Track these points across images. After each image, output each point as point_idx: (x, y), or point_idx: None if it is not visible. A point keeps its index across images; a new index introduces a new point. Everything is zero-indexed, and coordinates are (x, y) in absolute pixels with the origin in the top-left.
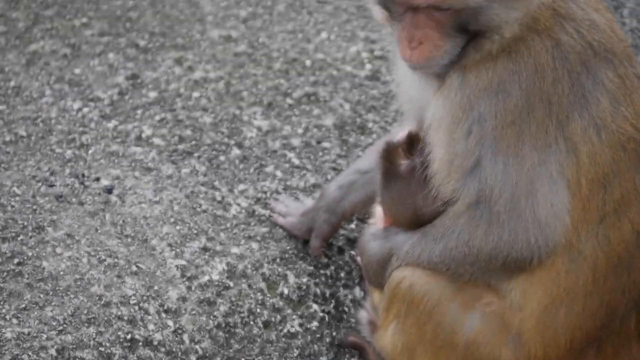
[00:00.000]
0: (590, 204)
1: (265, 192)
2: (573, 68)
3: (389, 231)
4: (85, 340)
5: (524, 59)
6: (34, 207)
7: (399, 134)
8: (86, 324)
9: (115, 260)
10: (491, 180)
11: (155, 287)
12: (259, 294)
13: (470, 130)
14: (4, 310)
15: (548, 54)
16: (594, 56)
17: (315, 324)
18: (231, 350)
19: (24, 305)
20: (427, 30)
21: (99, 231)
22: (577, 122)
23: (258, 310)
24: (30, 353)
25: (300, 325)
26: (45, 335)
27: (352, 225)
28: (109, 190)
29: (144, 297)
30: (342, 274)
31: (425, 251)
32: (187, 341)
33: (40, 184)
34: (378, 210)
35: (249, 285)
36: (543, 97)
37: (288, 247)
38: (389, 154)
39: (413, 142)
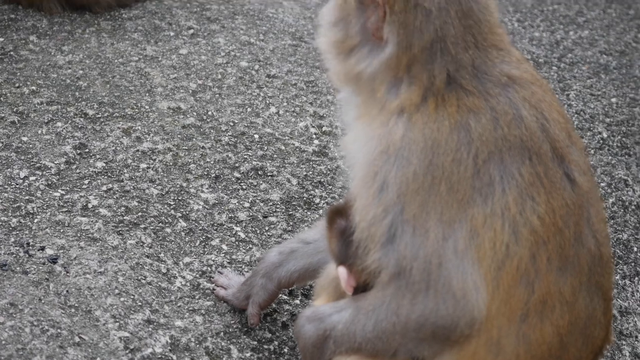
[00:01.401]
0: (511, 299)
1: (210, 266)
2: (478, 155)
3: (321, 312)
4: None
5: (421, 130)
6: None
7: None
8: None
9: (58, 330)
10: (403, 250)
11: (98, 359)
12: None
13: (376, 196)
14: None
15: (449, 135)
16: (507, 149)
17: None
18: None
19: None
20: None
21: (43, 301)
22: (480, 207)
23: None
24: None
25: None
26: None
27: (297, 301)
28: (54, 260)
29: None
30: (286, 349)
31: (359, 328)
32: None
33: None
34: (341, 271)
35: (192, 359)
36: (444, 174)
37: (232, 321)
38: (332, 215)
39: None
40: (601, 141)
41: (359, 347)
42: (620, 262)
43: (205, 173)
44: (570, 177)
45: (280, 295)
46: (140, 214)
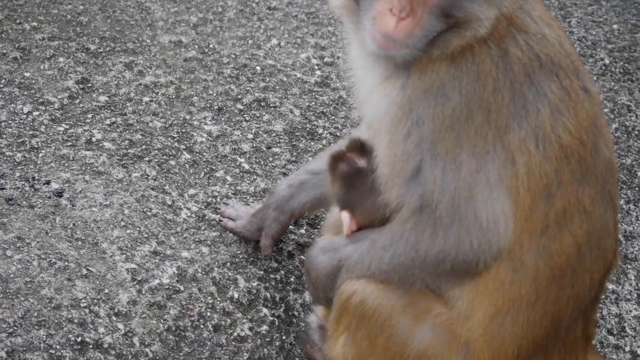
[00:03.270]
0: (532, 214)
1: (215, 197)
2: (516, 79)
3: (337, 243)
4: (35, 342)
5: (467, 66)
6: None
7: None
8: (36, 327)
9: (66, 263)
10: (431, 185)
11: (106, 291)
12: (209, 297)
13: (410, 132)
14: None
15: (493, 63)
16: (539, 68)
17: (265, 327)
18: (181, 354)
19: None
20: (416, 3)
21: (50, 234)
22: (516, 132)
23: (208, 314)
24: None
25: (250, 329)
26: None
27: (302, 230)
28: (59, 194)
29: (95, 300)
30: (292, 279)
31: (375, 260)
32: (137, 344)
33: None
34: (344, 215)
35: (199, 289)
36: (482, 105)
37: (238, 252)
38: (334, 160)
39: (364, 146)
40: (603, 67)
41: (371, 276)
42: (625, 186)
43: (208, 105)
44: (586, 89)
45: None
46: (144, 147)
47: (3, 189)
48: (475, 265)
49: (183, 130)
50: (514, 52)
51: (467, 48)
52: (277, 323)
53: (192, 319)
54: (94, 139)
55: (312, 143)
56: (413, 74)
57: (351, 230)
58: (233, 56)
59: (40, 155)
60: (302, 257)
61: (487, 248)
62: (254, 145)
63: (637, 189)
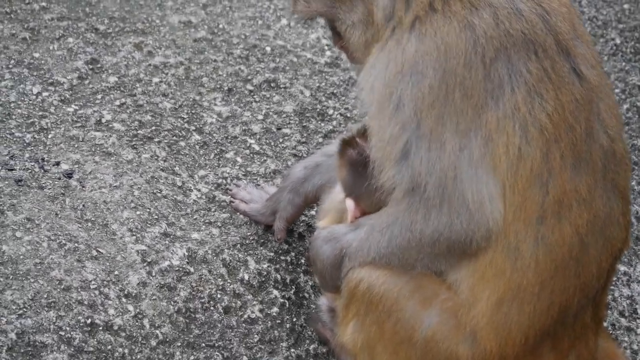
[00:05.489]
0: (525, 202)
1: (225, 178)
2: (486, 54)
3: (337, 232)
4: (45, 324)
5: (432, 39)
6: None
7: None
8: (46, 308)
9: (76, 244)
10: (419, 166)
11: (116, 272)
12: (219, 279)
13: (393, 115)
14: None
15: (457, 35)
16: (512, 45)
17: (275, 309)
18: (191, 336)
19: None
20: (334, 37)
21: (59, 215)
22: (493, 110)
23: (218, 295)
24: None
25: (261, 311)
26: (4, 319)
27: (313, 212)
28: (69, 175)
29: (105, 282)
30: (303, 260)
31: (374, 245)
32: (147, 326)
33: None
34: (348, 203)
35: (210, 271)
36: (458, 80)
37: (248, 233)
38: (344, 145)
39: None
40: (614, 47)
41: (372, 262)
42: (636, 167)
43: (218, 86)
44: (578, 71)
45: None
46: (154, 127)
47: (13, 170)
48: (469, 244)
49: (193, 111)
50: (479, 24)
51: (424, 21)
52: (287, 305)
53: (202, 300)
54: (103, 120)
55: (323, 124)
56: (381, 55)
57: (355, 217)
58: (243, 36)
59: (49, 136)
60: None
61: (476, 228)
62: (264, 126)
63: None
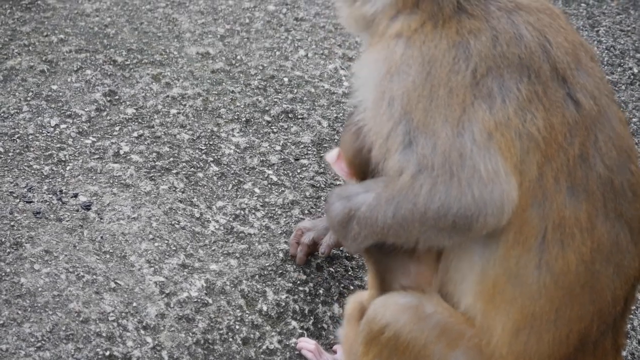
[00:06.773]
0: (524, 225)
1: (243, 209)
2: (477, 69)
3: (350, 190)
4: (63, 356)
5: (419, 48)
6: (12, 223)
7: None
8: (64, 341)
9: (94, 276)
10: (423, 150)
11: (134, 304)
12: (237, 310)
13: (388, 113)
14: None
15: (448, 47)
16: (506, 67)
17: (294, 340)
18: None
19: (1, 322)
20: None
21: (77, 247)
22: (487, 113)
23: (237, 326)
24: None
25: (279, 341)
26: (23, 352)
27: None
28: (87, 207)
29: (123, 314)
30: (321, 291)
31: (381, 214)
32: (166, 358)
33: (17, 200)
34: (330, 156)
35: (228, 302)
36: (442, 82)
37: (267, 264)
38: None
39: None
40: (632, 77)
41: (382, 231)
42: None
43: (236, 117)
44: (574, 98)
45: None
46: (172, 159)
47: (31, 202)
48: (476, 219)
49: (211, 143)
50: (474, 44)
51: (420, 31)
52: (306, 336)
53: (221, 332)
54: (121, 152)
55: None
56: (372, 52)
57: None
58: (260, 67)
59: (67, 168)
60: (330, 269)
61: (489, 199)
62: (282, 157)
63: None
